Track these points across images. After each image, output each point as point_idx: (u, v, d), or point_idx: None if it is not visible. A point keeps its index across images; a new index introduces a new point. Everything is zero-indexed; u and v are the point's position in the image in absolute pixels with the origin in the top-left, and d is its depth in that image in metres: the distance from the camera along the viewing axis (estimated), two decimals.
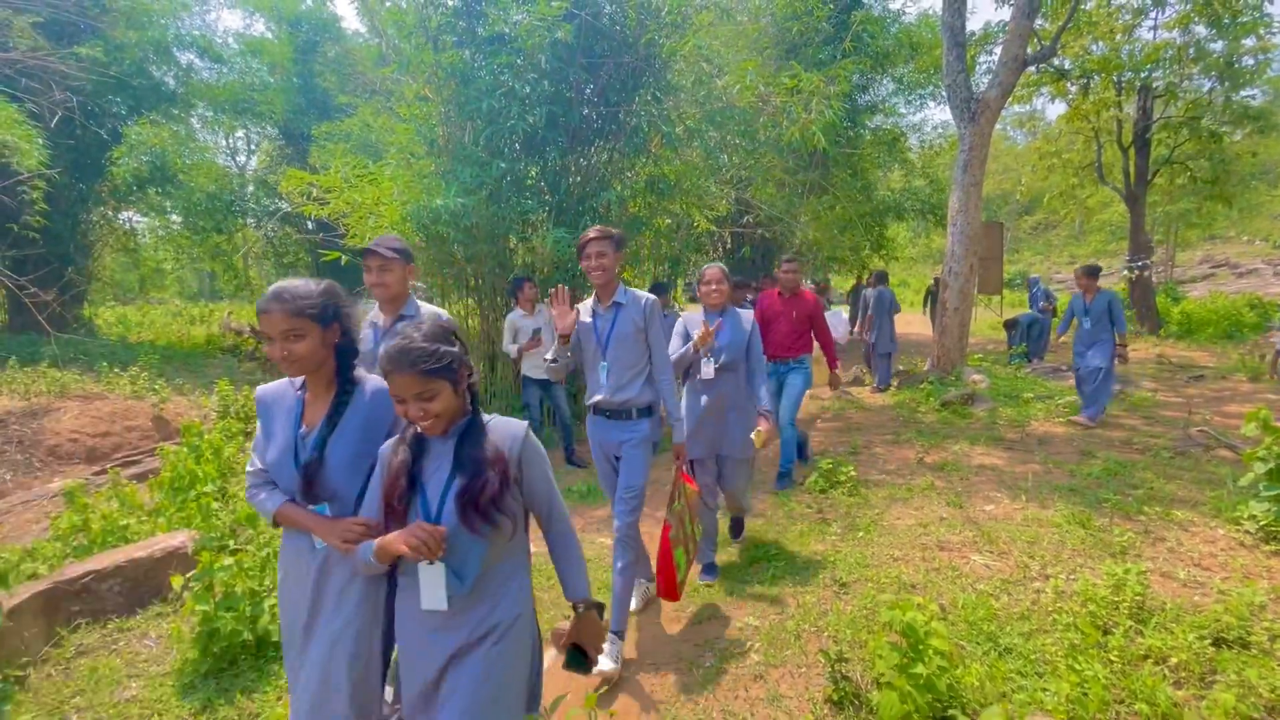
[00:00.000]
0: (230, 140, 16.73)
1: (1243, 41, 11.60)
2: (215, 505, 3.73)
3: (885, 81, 13.41)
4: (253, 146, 17.14)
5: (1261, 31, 11.21)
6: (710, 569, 3.36)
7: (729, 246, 12.02)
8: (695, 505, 2.93)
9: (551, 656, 2.70)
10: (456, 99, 5.78)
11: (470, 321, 6.63)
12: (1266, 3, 10.86)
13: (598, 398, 2.70)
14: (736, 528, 3.77)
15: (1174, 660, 2.26)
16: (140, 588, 3.16)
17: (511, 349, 5.41)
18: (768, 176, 7.69)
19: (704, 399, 3.13)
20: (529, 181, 6.33)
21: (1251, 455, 3.42)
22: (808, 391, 5.37)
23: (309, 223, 13.17)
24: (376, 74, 7.31)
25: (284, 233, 14.66)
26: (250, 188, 14.60)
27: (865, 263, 14.65)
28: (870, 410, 7.07)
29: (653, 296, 2.67)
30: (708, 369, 3.07)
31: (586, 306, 2.75)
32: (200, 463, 4.63)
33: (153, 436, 6.79)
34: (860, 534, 3.62)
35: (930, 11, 13.98)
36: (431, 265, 6.51)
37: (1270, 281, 21.41)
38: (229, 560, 2.77)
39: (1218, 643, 2.35)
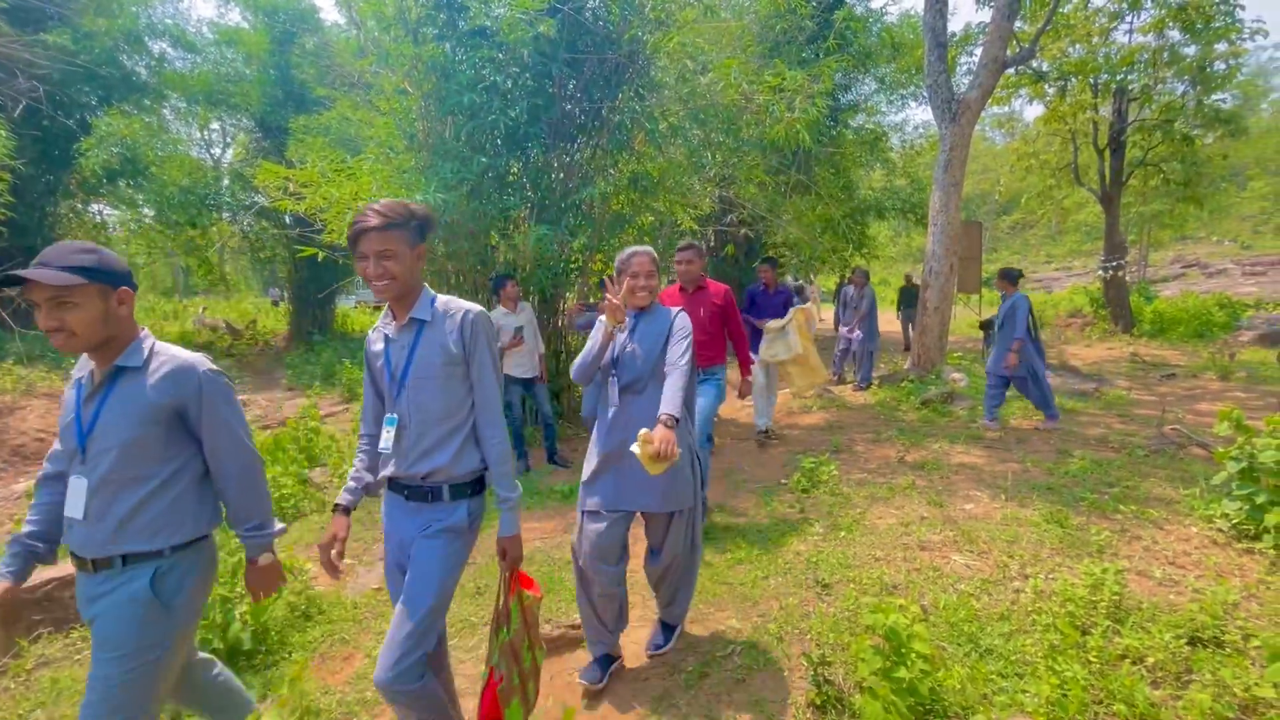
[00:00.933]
0: (204, 132, 16.33)
1: (1214, 46, 11.84)
2: None
3: (867, 81, 13.50)
4: (228, 139, 16.74)
5: (1233, 37, 11.45)
6: (663, 632, 2.66)
7: (712, 245, 12.02)
8: (535, 621, 1.98)
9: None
10: (437, 93, 5.68)
11: None
12: (1238, 9, 11.07)
13: (388, 469, 1.81)
14: (664, 634, 2.66)
15: (1151, 660, 2.27)
16: None
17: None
18: (751, 175, 7.67)
19: (609, 430, 2.32)
20: (510, 178, 6.25)
21: (1224, 454, 3.47)
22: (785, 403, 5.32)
23: (286, 217, 12.92)
24: (355, 67, 7.16)
25: (260, 227, 14.37)
26: (225, 181, 14.28)
27: (847, 262, 14.74)
28: (851, 409, 7.10)
29: (477, 308, 1.80)
30: (612, 390, 2.31)
31: (378, 333, 1.86)
32: None
33: None
34: (842, 534, 3.62)
35: (912, 12, 14.09)
36: None
37: (1239, 281, 21.98)
38: None
39: (1193, 642, 2.38)
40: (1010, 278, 5.98)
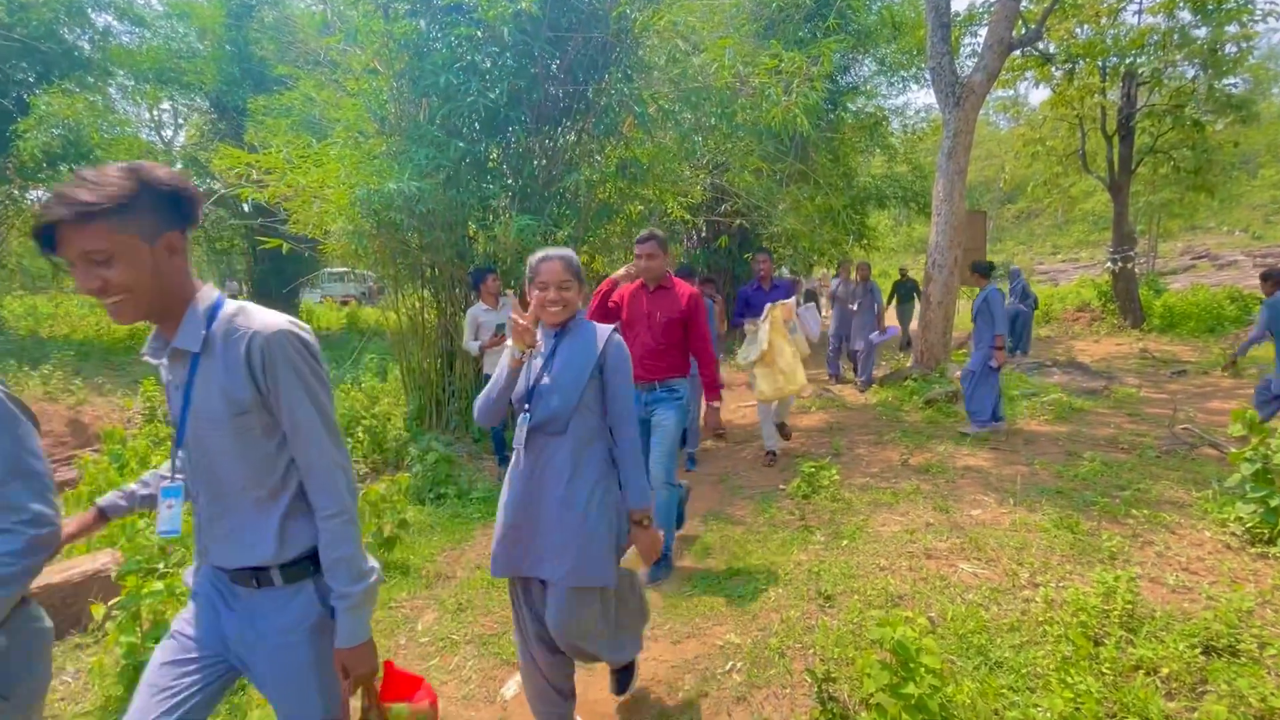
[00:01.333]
0: (154, 113, 16.05)
1: (1226, 28, 12.06)
2: (142, 523, 3.57)
3: (867, 62, 13.59)
4: (180, 120, 16.47)
5: (1244, 18, 11.68)
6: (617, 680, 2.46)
7: (704, 235, 12.06)
8: None
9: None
10: (410, 73, 5.63)
11: (426, 315, 6.50)
12: None
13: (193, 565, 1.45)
14: (618, 681, 2.44)
15: (1165, 671, 2.33)
16: (55, 617, 3.00)
17: (473, 346, 5.32)
18: (745, 162, 7.70)
19: (520, 482, 2.00)
20: (490, 164, 6.22)
21: (1238, 456, 3.56)
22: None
23: (245, 206, 12.74)
24: (320, 43, 7.07)
25: (217, 216, 14.16)
26: (178, 165, 14.04)
27: (847, 254, 14.84)
28: (852, 409, 7.17)
29: (272, 326, 1.26)
30: (520, 432, 1.97)
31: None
32: (124, 473, 4.44)
33: (68, 443, 6.50)
34: (845, 542, 3.66)
35: None
36: (383, 254, 6.35)
37: (1249, 274, 22.42)
38: (159, 585, 2.65)
39: (1208, 651, 2.44)
40: (982, 270, 6.12)
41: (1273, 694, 2.14)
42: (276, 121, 7.16)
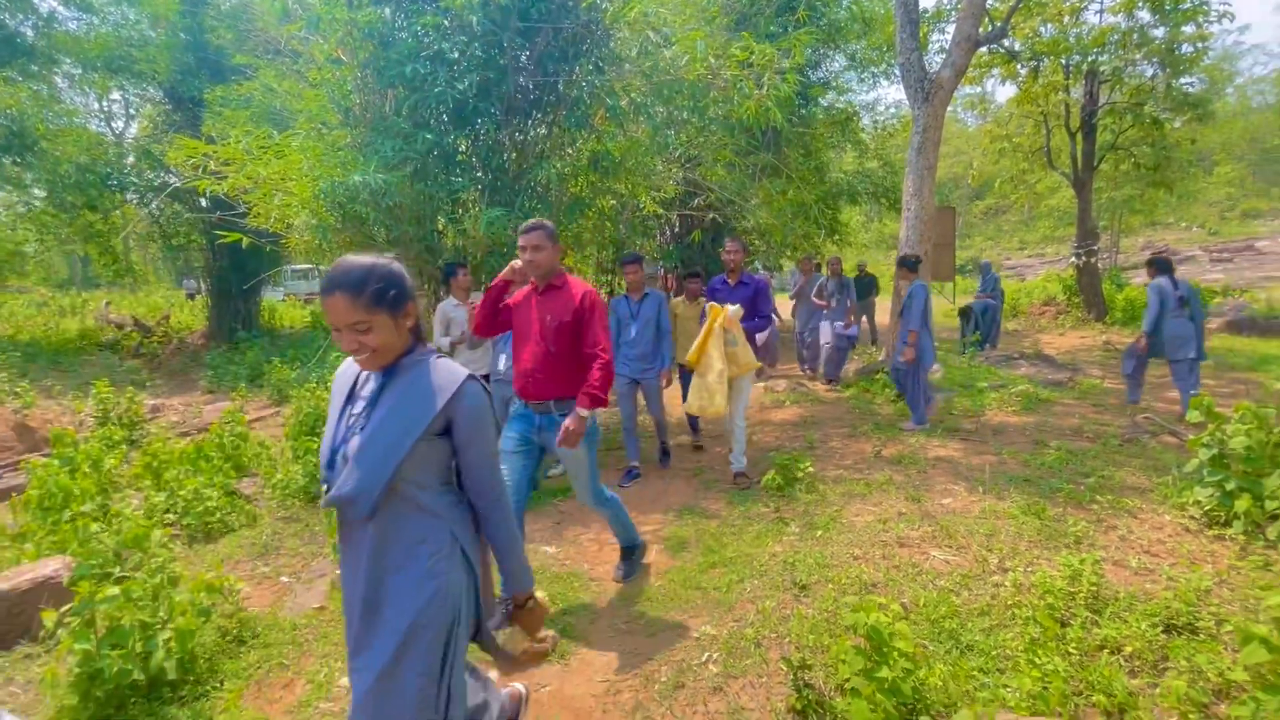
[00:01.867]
0: (104, 103, 15.51)
1: (1182, 28, 12.48)
2: (95, 527, 3.47)
3: (838, 57, 13.75)
4: (132, 111, 15.93)
5: (1200, 19, 12.10)
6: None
7: (677, 230, 12.09)
8: None
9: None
10: (375, 63, 5.54)
11: None
12: None
13: None
14: None
15: (1128, 649, 2.42)
16: (3, 625, 2.90)
17: (444, 342, 5.26)
18: (718, 156, 7.73)
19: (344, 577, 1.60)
20: (459, 156, 6.15)
21: (1196, 442, 3.70)
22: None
23: (203, 199, 12.40)
24: (280, 32, 6.90)
25: (172, 210, 13.74)
26: (131, 158, 13.60)
27: (819, 249, 15.02)
28: (825, 403, 7.27)
29: None
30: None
31: None
32: (75, 477, 4.31)
33: (15, 448, 6.26)
34: (819, 533, 3.72)
35: None
36: (350, 249, 6.24)
37: (1207, 268, 23.30)
38: (114, 590, 2.57)
39: (1168, 629, 2.54)
40: (910, 265, 6.22)
41: (1229, 668, 2.23)
42: (235, 113, 6.99)
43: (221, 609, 3.03)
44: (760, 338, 8.73)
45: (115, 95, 14.90)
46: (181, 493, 4.44)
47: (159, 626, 2.64)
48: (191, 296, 22.19)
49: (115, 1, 13.05)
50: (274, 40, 8.88)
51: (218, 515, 4.41)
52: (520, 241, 2.95)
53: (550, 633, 2.78)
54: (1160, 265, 6.34)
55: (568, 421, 2.87)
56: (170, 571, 2.91)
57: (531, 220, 2.99)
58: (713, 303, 4.63)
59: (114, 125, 16.06)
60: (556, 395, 2.99)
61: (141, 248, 18.59)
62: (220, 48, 11.93)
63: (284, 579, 3.74)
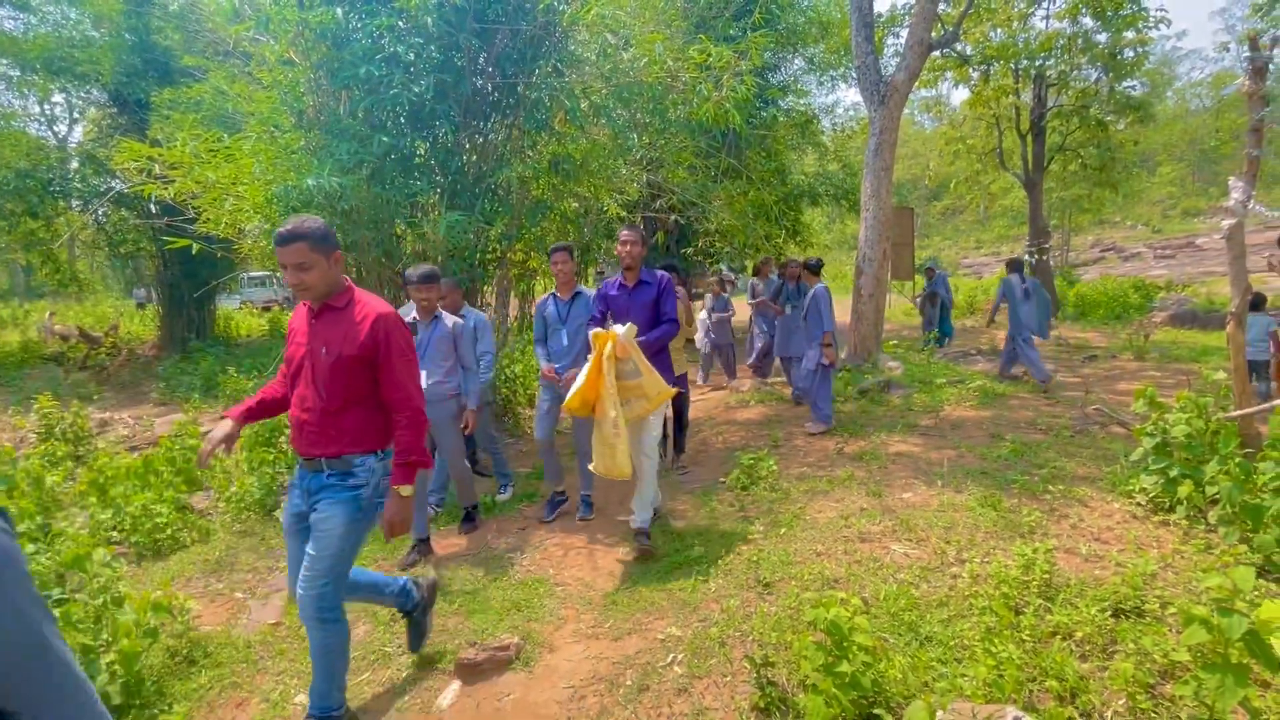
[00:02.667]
0: (45, 106, 14.90)
1: (1124, 34, 13.00)
2: (31, 547, 3.31)
3: (796, 61, 13.96)
4: (75, 114, 15.35)
5: (1139, 25, 12.62)
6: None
7: (642, 232, 12.08)
8: None
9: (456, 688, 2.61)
10: (328, 64, 5.42)
11: None
12: None
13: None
14: None
15: (1080, 634, 2.48)
16: None
17: None
18: (680, 158, 7.76)
19: None
20: (417, 159, 6.05)
21: (1140, 431, 3.83)
22: None
23: (151, 205, 11.97)
24: (230, 32, 6.71)
25: (119, 216, 13.26)
26: (74, 163, 13.08)
27: (781, 250, 15.20)
28: (789, 402, 7.34)
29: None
30: None
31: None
32: (14, 496, 4.11)
33: None
34: (783, 530, 3.74)
35: None
36: None
37: (1152, 265, 24.28)
38: (54, 613, 2.45)
39: (1117, 613, 2.62)
40: (812, 268, 6.27)
41: (1174, 649, 2.31)
42: (184, 116, 6.77)
43: (170, 628, 2.93)
44: (699, 340, 8.43)
45: (57, 98, 14.34)
46: (129, 509, 4.27)
47: (102, 649, 2.53)
48: (141, 305, 21.44)
49: (55, 1, 12.55)
50: (223, 41, 8.64)
51: (168, 531, 4.26)
52: (279, 258, 2.20)
53: (514, 640, 2.75)
54: (1012, 265, 8.02)
55: (387, 509, 2.28)
56: (115, 592, 2.79)
57: (287, 227, 2.18)
58: (596, 329, 3.64)
59: (56, 129, 15.46)
60: (330, 452, 2.28)
61: (87, 256, 17.87)
62: (168, 49, 11.57)
63: (238, 595, 3.62)
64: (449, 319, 4.18)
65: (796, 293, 7.52)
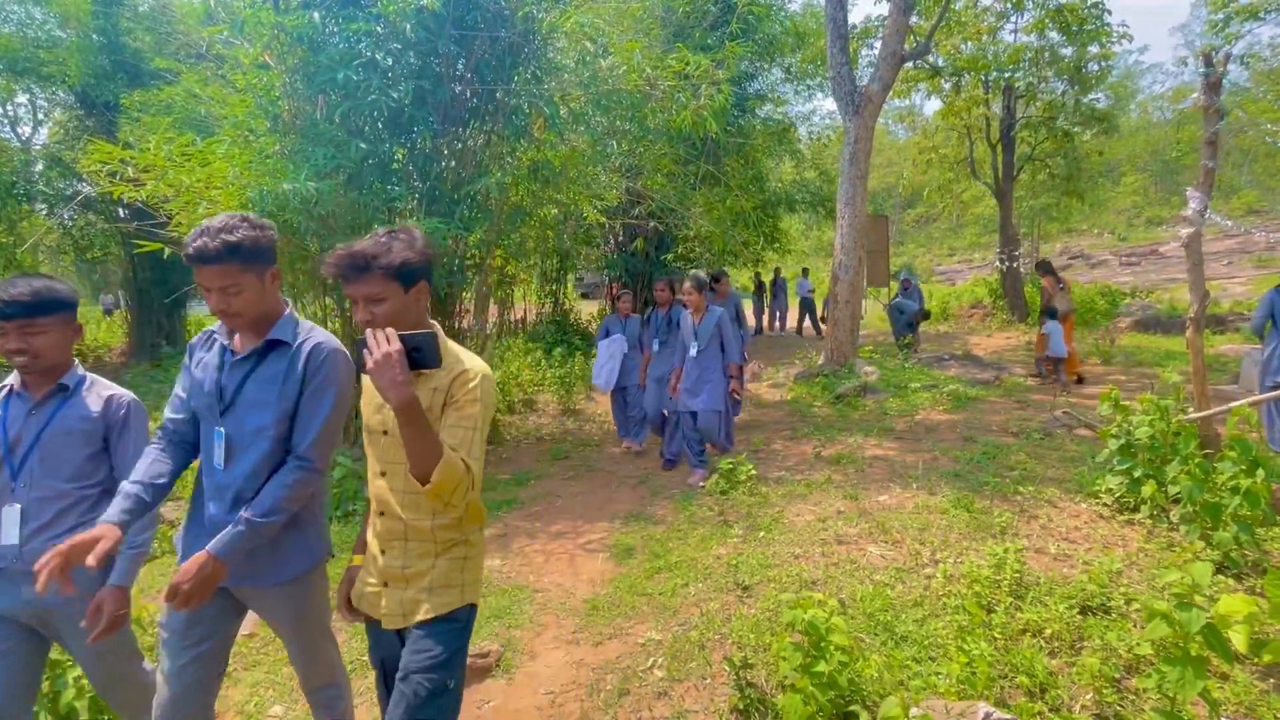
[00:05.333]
0: (9, 108, 14.50)
1: (1089, 48, 13.39)
2: None
3: (774, 70, 14.14)
4: (41, 116, 14.95)
5: (1103, 40, 13.00)
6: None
7: (621, 239, 12.14)
8: None
9: None
10: (304, 68, 5.37)
11: (330, 325, 6.21)
12: (1106, 14, 12.61)
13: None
14: None
15: (1048, 631, 2.55)
16: None
17: None
18: (658, 165, 7.82)
19: None
20: (395, 165, 6.02)
21: (1106, 433, 3.94)
22: None
23: (120, 209, 11.74)
24: (202, 35, 6.64)
25: (86, 220, 12.96)
26: (39, 166, 12.75)
27: (759, 256, 15.35)
28: (767, 407, 7.42)
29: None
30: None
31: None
32: None
33: None
34: (761, 534, 3.78)
35: (814, 1, 14.92)
36: (280, 261, 6.01)
37: (1117, 271, 24.94)
38: None
39: (1084, 610, 2.69)
40: (699, 285, 5.22)
41: (1138, 644, 2.38)
42: (155, 119, 6.66)
43: (141, 640, 2.86)
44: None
45: (21, 99, 13.96)
46: None
47: (69, 663, 2.47)
48: (109, 312, 20.92)
49: (19, 0, 12.26)
50: (196, 44, 8.54)
51: None
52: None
53: (495, 647, 2.75)
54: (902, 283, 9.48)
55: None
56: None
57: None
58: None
59: (20, 130, 15.03)
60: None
61: (52, 261, 17.41)
62: (138, 51, 11.36)
63: None
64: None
65: (667, 324, 5.56)
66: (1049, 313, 8.22)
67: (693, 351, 4.99)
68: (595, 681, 2.62)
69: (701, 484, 4.81)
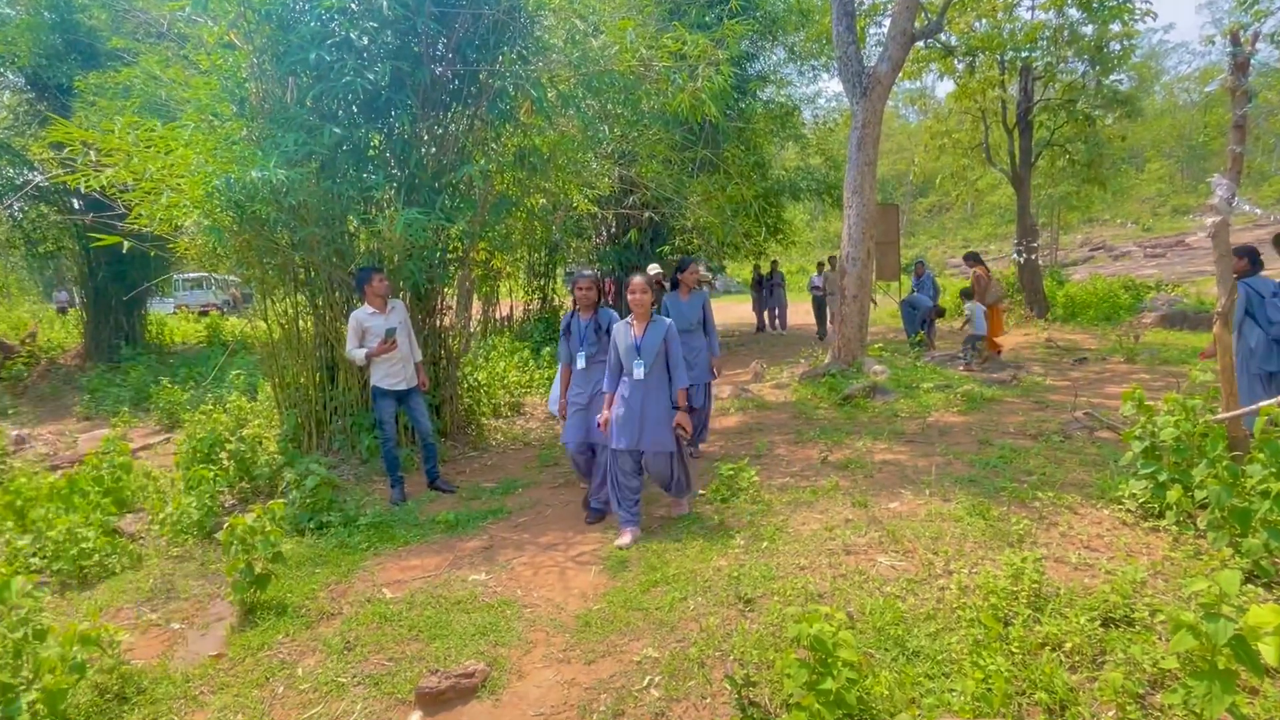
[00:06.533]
0: None
1: (1110, 26, 13.47)
2: None
3: (776, 50, 14.18)
4: None
5: (1126, 17, 13.08)
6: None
7: (614, 230, 12.16)
8: None
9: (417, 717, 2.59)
10: (273, 48, 5.37)
11: (303, 323, 6.19)
12: None
13: None
14: None
15: (1069, 645, 2.57)
16: None
17: (358, 354, 5.11)
18: (653, 151, 7.83)
19: None
20: (371, 152, 6.02)
21: (1129, 435, 3.97)
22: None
23: (75, 199, 11.67)
24: (162, 11, 6.61)
25: (38, 212, 12.87)
26: None
27: (761, 248, 15.38)
28: (772, 408, 7.44)
29: None
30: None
31: None
32: None
33: None
34: (765, 544, 3.79)
35: None
36: (248, 254, 6.01)
37: (1142, 264, 25.10)
38: None
39: (1106, 623, 2.71)
40: (635, 288, 4.99)
41: (1163, 657, 2.40)
42: (112, 103, 6.62)
43: (99, 663, 2.85)
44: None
45: None
46: (51, 534, 4.16)
47: (22, 688, 2.47)
48: (63, 310, 20.81)
49: None
50: (156, 22, 8.48)
51: (95, 558, 4.15)
52: None
53: (479, 666, 2.75)
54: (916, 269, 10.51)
55: None
56: (36, 624, 2.71)
57: None
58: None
59: None
60: None
61: (2, 254, 17.30)
62: (93, 29, 11.29)
63: (175, 625, 3.55)
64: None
65: (595, 333, 4.67)
66: (965, 293, 10.28)
67: (638, 374, 4.07)
68: (588, 702, 2.62)
69: (627, 545, 4.02)
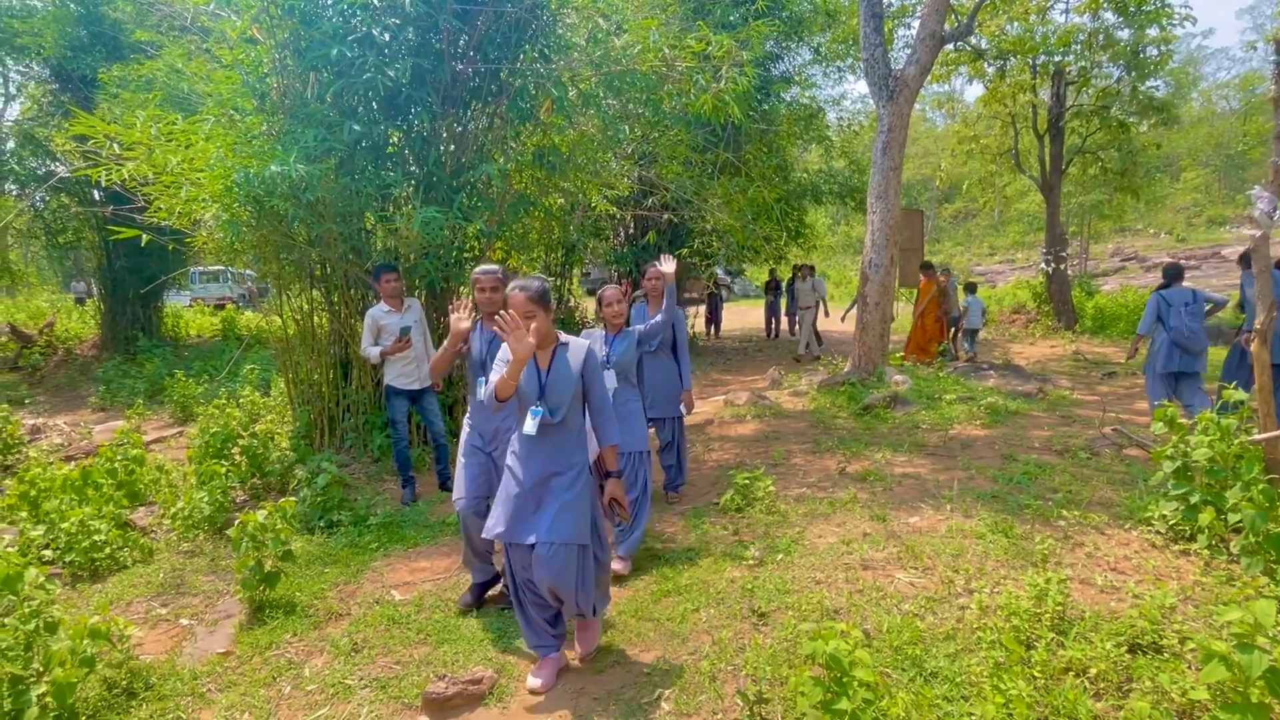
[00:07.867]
0: None
1: (1147, 31, 13.29)
2: None
3: (801, 51, 14.13)
4: (12, 90, 15.16)
5: (1164, 22, 12.90)
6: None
7: (632, 231, 12.17)
8: None
9: None
10: (295, 43, 5.43)
11: (318, 319, 6.26)
12: None
13: None
14: None
15: (1094, 671, 2.53)
16: None
17: (373, 352, 5.16)
18: (674, 152, 7.83)
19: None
20: (390, 149, 6.06)
21: (1160, 454, 3.90)
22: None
23: (95, 191, 11.87)
24: (187, 5, 6.72)
25: (59, 203, 13.12)
26: (9, 144, 12.93)
27: (782, 252, 15.32)
28: (789, 416, 7.39)
29: None
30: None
31: None
32: None
33: None
34: (780, 556, 3.77)
35: None
36: (265, 249, 6.08)
37: None
38: None
39: (1133, 649, 2.66)
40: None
41: (1193, 687, 2.35)
42: (135, 95, 6.74)
43: (109, 657, 2.90)
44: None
45: None
46: (64, 525, 4.22)
47: (33, 680, 2.51)
48: (81, 301, 21.19)
49: None
50: (180, 15, 8.63)
51: (107, 550, 4.21)
52: None
53: (488, 672, 2.75)
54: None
55: None
56: (48, 616, 2.75)
57: None
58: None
59: None
60: None
61: (21, 245, 17.66)
62: (117, 22, 11.50)
63: (184, 621, 3.59)
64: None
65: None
66: (969, 287, 11.75)
67: (528, 428, 2.74)
68: (595, 714, 2.62)
69: (541, 690, 2.77)
